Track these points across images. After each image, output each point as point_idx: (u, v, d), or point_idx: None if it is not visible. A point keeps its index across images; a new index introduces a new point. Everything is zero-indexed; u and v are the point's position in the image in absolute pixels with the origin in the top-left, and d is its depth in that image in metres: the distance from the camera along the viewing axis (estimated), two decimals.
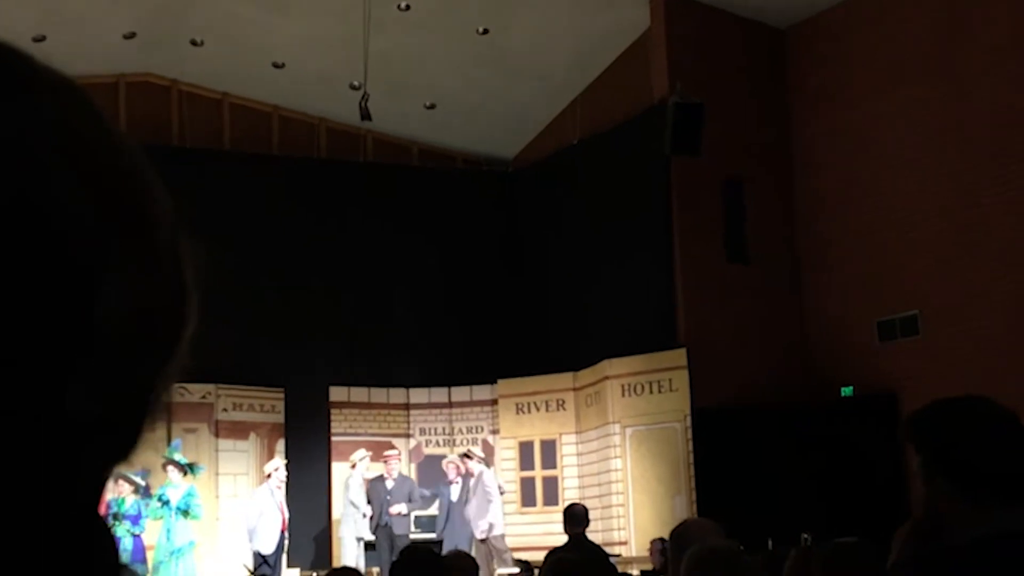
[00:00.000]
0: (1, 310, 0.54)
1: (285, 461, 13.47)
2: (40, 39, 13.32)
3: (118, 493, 12.15)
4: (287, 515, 13.11)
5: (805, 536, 10.33)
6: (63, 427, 0.57)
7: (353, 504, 13.40)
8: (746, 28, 13.90)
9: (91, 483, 0.59)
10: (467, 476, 13.42)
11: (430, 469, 14.20)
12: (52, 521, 0.56)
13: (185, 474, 12.51)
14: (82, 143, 0.59)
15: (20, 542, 0.55)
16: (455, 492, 13.46)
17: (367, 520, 13.41)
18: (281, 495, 13.10)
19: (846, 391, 12.77)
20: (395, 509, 13.33)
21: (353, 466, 13.61)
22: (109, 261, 0.58)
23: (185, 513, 12.27)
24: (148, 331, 0.60)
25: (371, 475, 13.69)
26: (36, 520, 0.56)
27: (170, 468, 12.43)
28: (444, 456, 14.20)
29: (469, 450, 13.71)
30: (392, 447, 14.30)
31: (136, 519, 12.13)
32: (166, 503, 12.28)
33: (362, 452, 13.74)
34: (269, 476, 13.23)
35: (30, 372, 0.55)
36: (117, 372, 0.59)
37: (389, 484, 13.54)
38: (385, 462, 13.72)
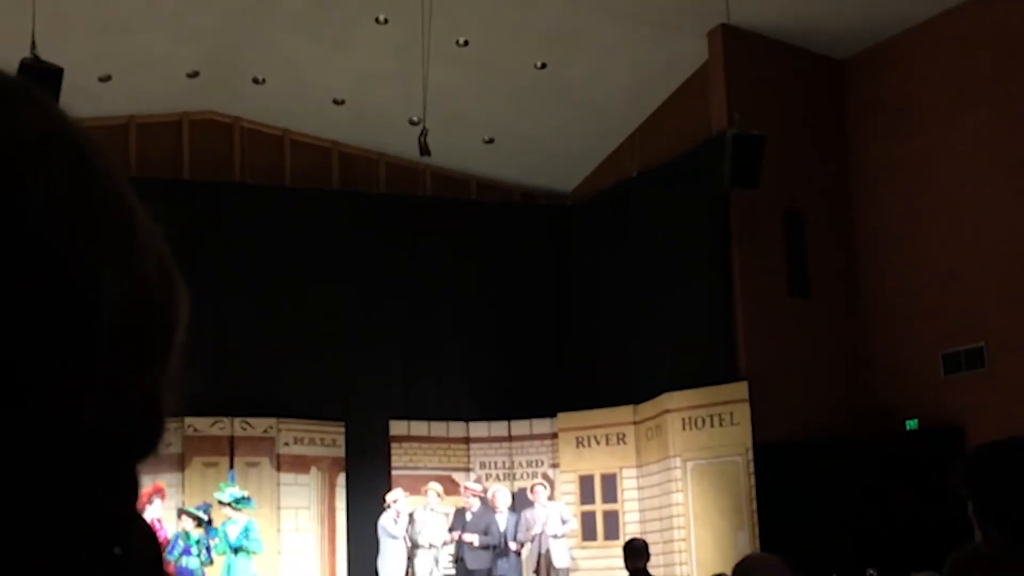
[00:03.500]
0: (15, 328, 0.56)
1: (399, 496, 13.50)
2: (106, 79, 13.58)
3: (181, 528, 12.24)
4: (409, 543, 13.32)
5: (871, 572, 10.18)
6: (83, 435, 0.58)
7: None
8: (805, 59, 13.85)
9: (119, 484, 0.61)
10: (526, 506, 13.45)
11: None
12: (82, 525, 0.58)
13: (241, 509, 12.57)
14: (63, 150, 0.62)
15: (53, 547, 0.57)
16: (502, 522, 13.49)
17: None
18: (404, 524, 13.25)
19: (911, 424, 12.59)
20: (468, 538, 13.34)
21: (387, 506, 13.44)
22: (101, 256, 0.60)
23: (239, 550, 12.31)
24: (144, 321, 0.62)
25: (437, 509, 13.67)
26: (65, 526, 0.57)
27: (224, 508, 12.51)
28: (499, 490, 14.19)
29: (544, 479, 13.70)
30: (451, 481, 14.29)
31: (186, 551, 12.13)
32: (224, 539, 12.34)
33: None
34: (388, 506, 13.28)
35: (50, 386, 0.57)
36: (122, 370, 0.61)
37: (468, 517, 13.56)
38: (464, 495, 13.73)
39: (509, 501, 13.72)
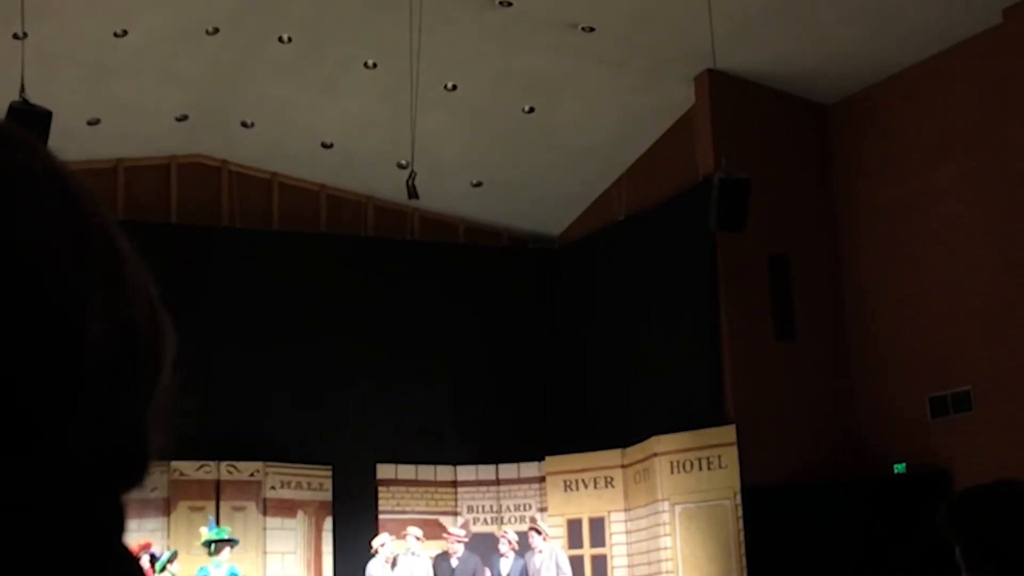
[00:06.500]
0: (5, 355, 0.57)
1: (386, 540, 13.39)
2: (95, 122, 13.60)
3: None
4: None
5: None
6: (69, 463, 0.59)
7: None
8: (791, 104, 13.94)
9: (103, 516, 0.61)
10: (527, 551, 13.27)
11: (478, 547, 14.08)
12: (64, 557, 0.58)
13: (233, 546, 12.48)
14: (52, 186, 0.63)
15: None
16: (505, 566, 13.32)
17: None
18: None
19: (899, 468, 12.58)
20: None
21: (375, 552, 13.33)
22: (88, 285, 0.61)
23: None
24: (131, 351, 0.63)
25: (418, 554, 13.55)
26: (46, 557, 0.57)
27: (223, 548, 12.40)
28: (491, 534, 14.08)
29: (538, 525, 13.46)
30: (439, 525, 14.20)
31: None
32: None
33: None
34: (376, 552, 13.15)
35: (35, 411, 0.58)
36: (108, 398, 0.61)
37: (454, 562, 13.40)
38: (448, 541, 13.57)
39: (515, 544, 13.42)
